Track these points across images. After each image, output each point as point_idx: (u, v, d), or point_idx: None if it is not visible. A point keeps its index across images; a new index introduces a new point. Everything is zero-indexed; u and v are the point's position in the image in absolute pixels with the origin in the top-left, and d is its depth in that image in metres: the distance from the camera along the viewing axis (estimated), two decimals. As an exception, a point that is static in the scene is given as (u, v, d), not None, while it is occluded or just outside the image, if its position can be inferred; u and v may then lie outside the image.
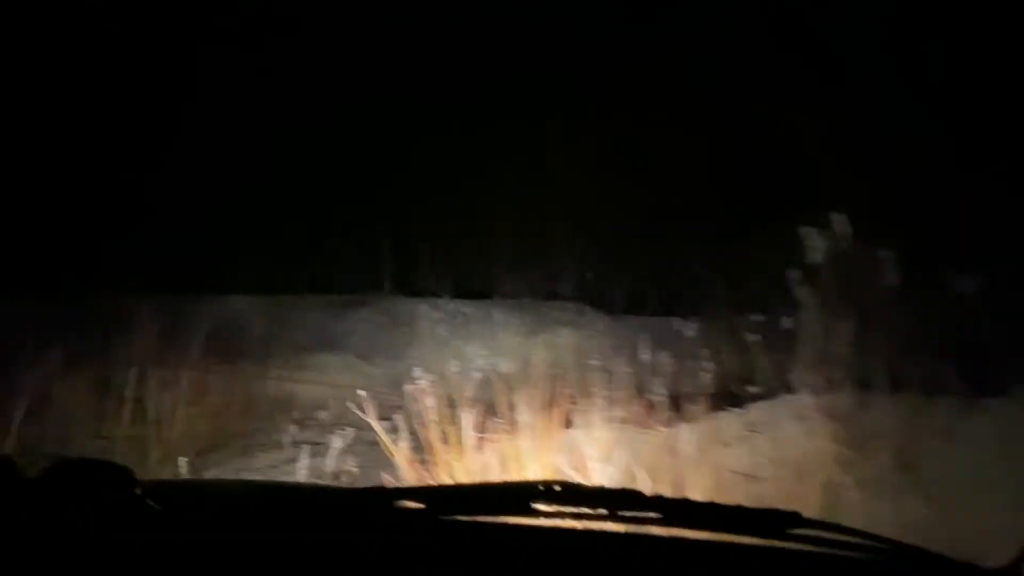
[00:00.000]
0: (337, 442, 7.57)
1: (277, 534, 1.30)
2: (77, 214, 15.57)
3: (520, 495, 1.54)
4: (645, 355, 13.72)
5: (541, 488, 1.52)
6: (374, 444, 7.92)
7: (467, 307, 17.13)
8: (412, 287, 18.06)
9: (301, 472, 5.85)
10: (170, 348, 7.46)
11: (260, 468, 6.60)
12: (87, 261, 12.68)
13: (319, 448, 7.44)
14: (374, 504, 1.57)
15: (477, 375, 14.19)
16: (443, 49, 17.56)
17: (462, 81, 18.02)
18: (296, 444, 7.53)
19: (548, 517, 1.45)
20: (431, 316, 16.83)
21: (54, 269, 13.76)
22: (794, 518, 1.41)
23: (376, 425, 8.52)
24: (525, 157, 17.77)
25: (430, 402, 10.69)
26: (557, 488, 1.53)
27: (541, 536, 1.44)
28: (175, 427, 6.71)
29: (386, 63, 17.83)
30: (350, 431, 8.53)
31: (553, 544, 1.41)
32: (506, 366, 14.74)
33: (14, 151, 15.15)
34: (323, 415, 9.08)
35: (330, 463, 6.44)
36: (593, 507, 1.46)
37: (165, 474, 5.80)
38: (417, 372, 13.06)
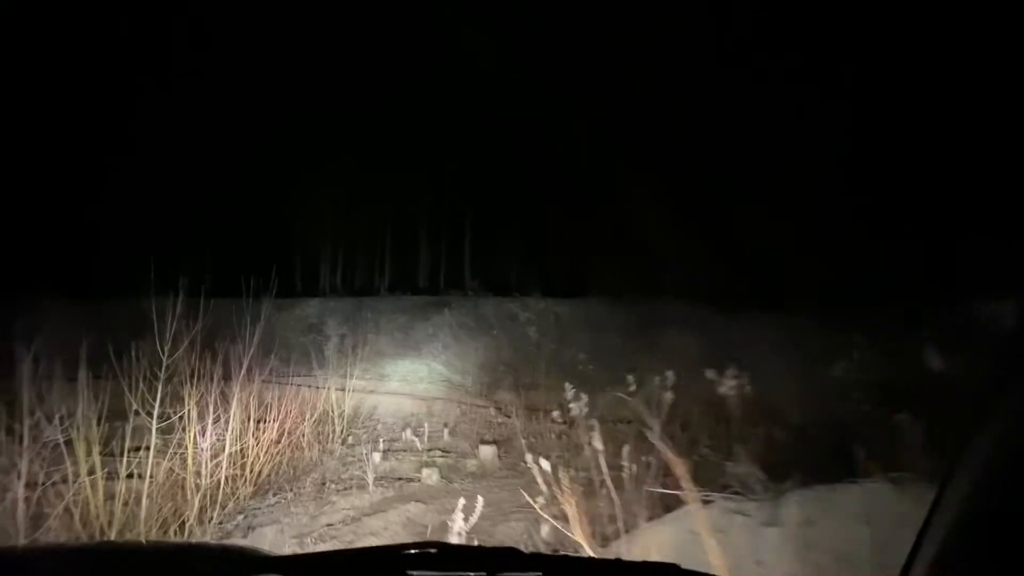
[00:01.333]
0: (433, 478, 5.88)
1: None
2: (151, 216, 14.65)
3: (393, 561, 1.42)
4: (815, 362, 11.78)
5: (415, 552, 1.41)
6: (478, 478, 6.26)
7: (560, 306, 15.42)
8: (498, 285, 16.64)
9: (392, 528, 4.14)
10: (225, 357, 5.86)
11: (335, 524, 4.91)
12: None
13: (411, 488, 5.74)
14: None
15: (581, 384, 12.55)
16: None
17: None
18: (382, 481, 5.84)
19: None
20: (520, 317, 15.18)
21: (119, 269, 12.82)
22: (672, 570, 1.38)
23: (485, 454, 6.86)
24: (619, 138, 15.92)
25: (540, 423, 9.05)
26: (432, 551, 1.42)
27: None
28: (228, 459, 5.15)
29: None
30: (446, 459, 6.89)
31: None
32: (616, 373, 12.94)
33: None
34: (411, 436, 7.43)
35: (430, 515, 4.67)
36: (471, 570, 1.35)
37: (199, 531, 4.21)
38: (511, 381, 11.51)
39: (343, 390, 8.95)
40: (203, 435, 4.66)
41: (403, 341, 13.60)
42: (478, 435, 7.48)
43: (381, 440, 7.34)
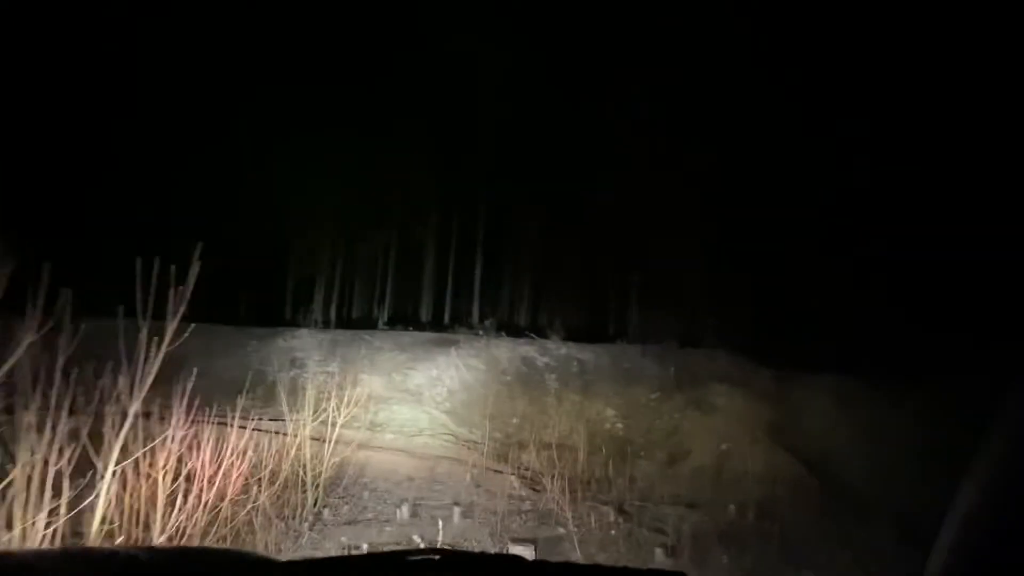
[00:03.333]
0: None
1: None
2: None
3: (395, 567, 1.39)
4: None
5: (418, 558, 1.37)
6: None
7: (584, 352, 13.41)
8: (513, 325, 14.62)
9: None
10: (171, 395, 3.92)
11: None
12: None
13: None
14: None
15: (614, 448, 10.42)
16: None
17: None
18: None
19: None
20: (538, 362, 13.15)
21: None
22: None
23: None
24: (661, 164, 14.09)
25: (580, 504, 6.89)
26: (435, 557, 1.36)
27: None
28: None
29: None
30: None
31: None
32: (654, 436, 10.89)
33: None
34: (408, 516, 5.38)
35: None
36: None
37: None
38: (529, 438, 9.43)
39: (324, 441, 6.93)
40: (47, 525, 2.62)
41: (401, 384, 11.54)
42: (502, 522, 5.41)
43: (368, 521, 5.30)
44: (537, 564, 1.39)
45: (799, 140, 13.80)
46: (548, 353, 13.10)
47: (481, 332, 13.75)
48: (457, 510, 5.65)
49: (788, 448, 9.82)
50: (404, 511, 5.54)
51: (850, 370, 12.45)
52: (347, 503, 6.24)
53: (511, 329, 13.87)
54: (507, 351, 13.03)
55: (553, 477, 6.32)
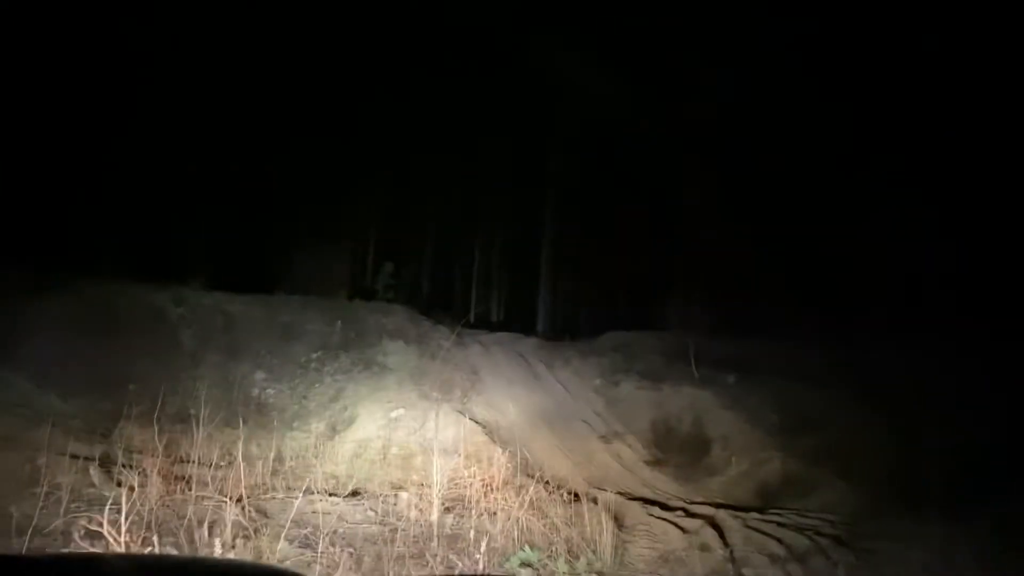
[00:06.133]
0: None
1: None
2: None
3: None
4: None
5: None
6: None
7: (233, 304, 11.11)
8: (141, 269, 11.54)
9: None
10: None
11: None
12: None
13: None
14: None
15: (259, 420, 8.51)
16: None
17: None
18: None
19: None
20: (171, 315, 10.57)
21: None
22: None
23: None
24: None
25: (182, 497, 4.96)
26: None
27: None
28: None
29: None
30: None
31: None
32: (308, 403, 9.14)
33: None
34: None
35: None
36: None
37: None
38: (147, 409, 7.20)
39: None
40: None
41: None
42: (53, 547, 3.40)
43: None
44: None
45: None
46: (185, 303, 10.66)
47: (96, 276, 10.75)
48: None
49: (466, 412, 8.88)
50: None
51: (526, 326, 12.15)
52: None
53: (137, 272, 11.09)
54: (130, 300, 10.32)
55: (156, 460, 4.46)
